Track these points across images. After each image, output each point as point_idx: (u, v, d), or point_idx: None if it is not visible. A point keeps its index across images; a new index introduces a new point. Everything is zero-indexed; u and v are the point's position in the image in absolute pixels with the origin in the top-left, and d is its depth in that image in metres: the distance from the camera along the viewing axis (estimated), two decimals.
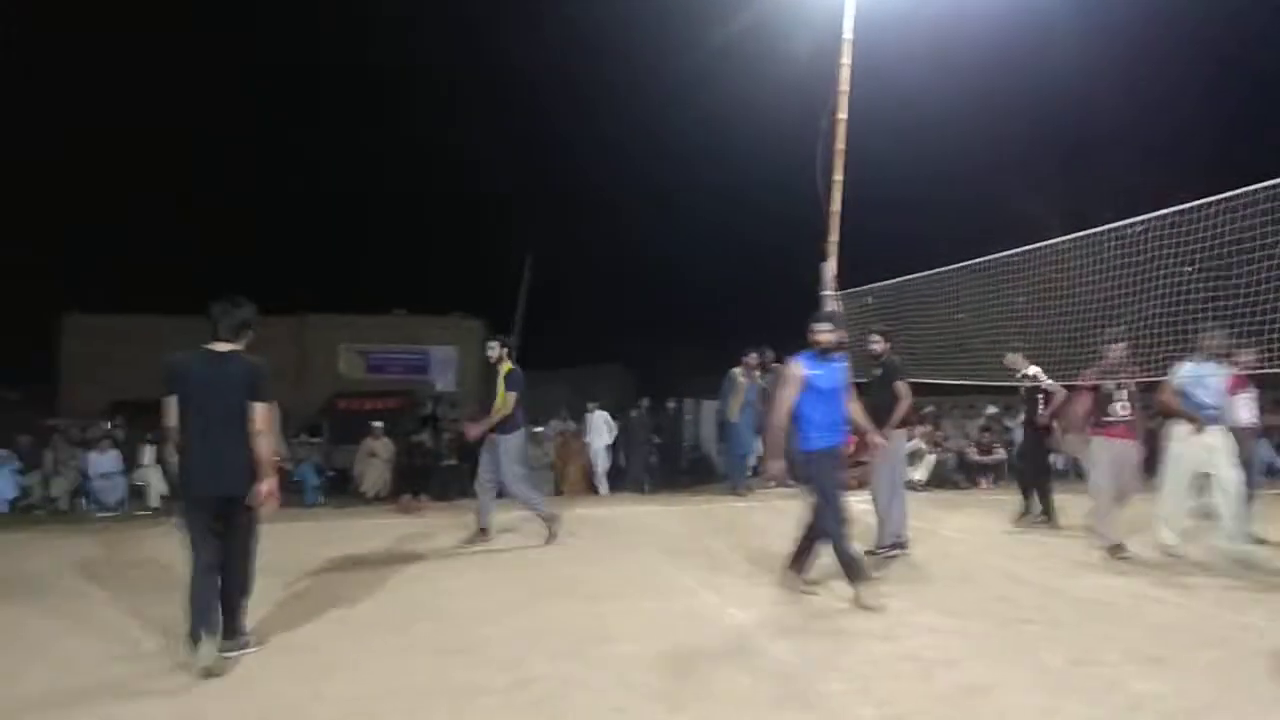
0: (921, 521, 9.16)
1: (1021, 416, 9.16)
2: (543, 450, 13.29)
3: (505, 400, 7.67)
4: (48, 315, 22.16)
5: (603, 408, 13.83)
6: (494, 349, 7.99)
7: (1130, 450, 7.08)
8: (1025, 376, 8.88)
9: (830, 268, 12.03)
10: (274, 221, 26.99)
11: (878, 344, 7.32)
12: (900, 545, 7.22)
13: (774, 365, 12.47)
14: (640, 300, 28.19)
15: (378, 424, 12.65)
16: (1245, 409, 7.20)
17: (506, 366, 7.85)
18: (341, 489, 12.52)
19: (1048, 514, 8.71)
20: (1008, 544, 7.71)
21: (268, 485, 4.54)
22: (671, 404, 14.80)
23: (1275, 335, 6.63)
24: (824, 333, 5.73)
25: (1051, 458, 9.02)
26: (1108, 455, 7.06)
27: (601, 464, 13.27)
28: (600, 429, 13.30)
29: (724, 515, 9.87)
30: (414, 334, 23.10)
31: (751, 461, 12.64)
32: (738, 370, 12.02)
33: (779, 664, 4.38)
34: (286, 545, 7.87)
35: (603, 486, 13.16)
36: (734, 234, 25.77)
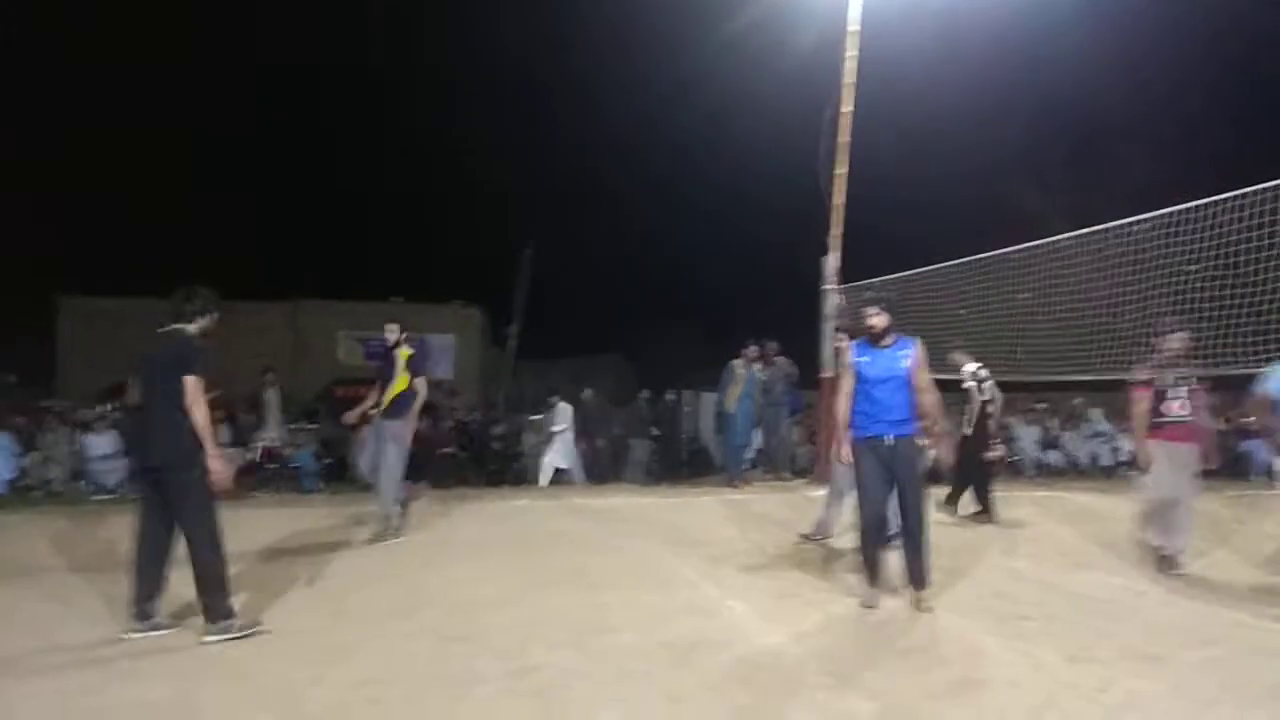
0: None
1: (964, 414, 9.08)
2: (541, 438, 13.28)
3: (406, 381, 7.68)
4: (45, 297, 22.12)
5: (591, 398, 13.48)
6: (393, 331, 8.04)
7: (1188, 454, 6.28)
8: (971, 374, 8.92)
9: (832, 261, 12.04)
10: (273, 207, 26.94)
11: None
12: (826, 538, 7.28)
13: (776, 359, 12.48)
14: (641, 291, 28.24)
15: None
16: None
17: (406, 352, 7.90)
18: (339, 476, 12.50)
19: (986, 511, 8.76)
20: (1005, 540, 7.73)
21: (208, 459, 4.61)
22: (671, 396, 14.79)
23: (1274, 335, 6.61)
24: (871, 316, 5.51)
25: (992, 454, 9.01)
26: (1163, 460, 6.30)
27: (566, 456, 12.54)
28: (565, 419, 12.66)
29: (722, 507, 9.87)
30: (412, 321, 23.08)
31: (749, 454, 12.64)
32: (737, 362, 12.01)
33: (777, 657, 4.40)
34: (285, 531, 7.89)
35: (544, 477, 12.33)
36: (737, 226, 25.81)
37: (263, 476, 11.55)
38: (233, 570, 4.75)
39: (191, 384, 4.60)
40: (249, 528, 8.11)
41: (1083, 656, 4.39)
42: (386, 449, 7.64)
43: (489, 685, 3.98)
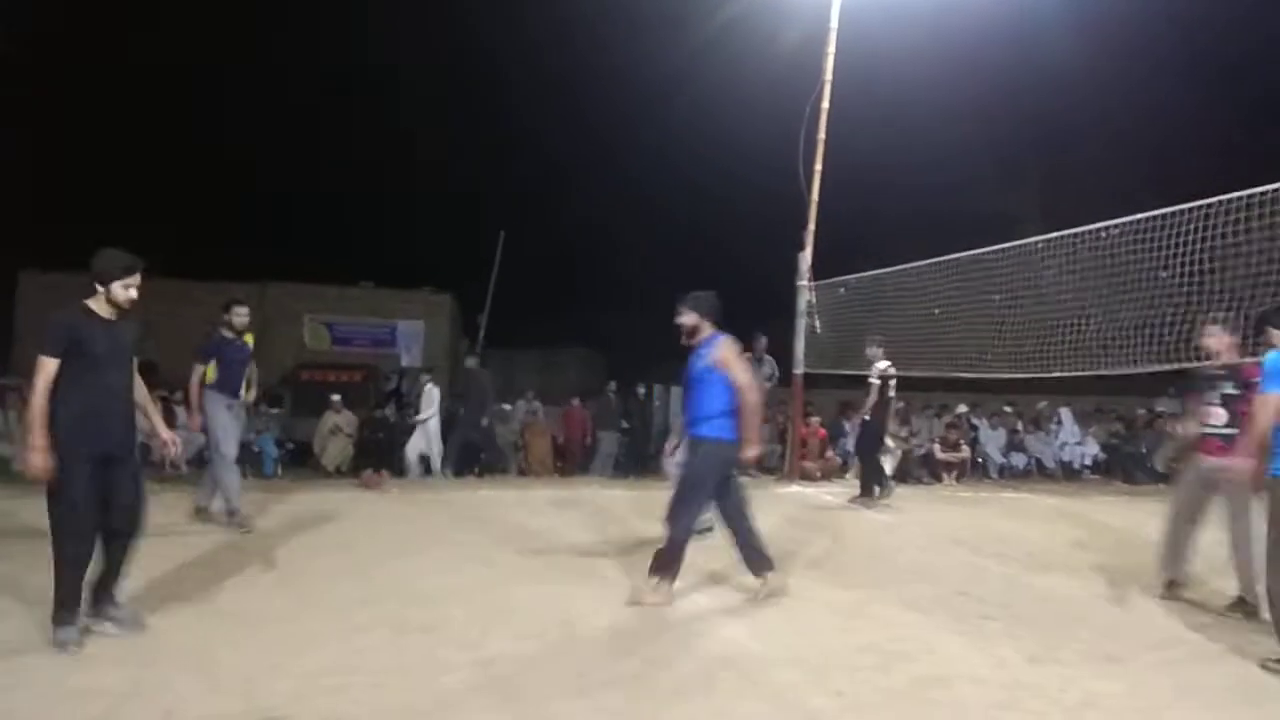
0: (885, 515, 9.27)
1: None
2: (508, 429, 13.18)
3: (198, 372, 7.32)
4: (4, 273, 21.59)
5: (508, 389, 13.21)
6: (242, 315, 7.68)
7: (1218, 471, 5.22)
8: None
9: (806, 257, 12.08)
10: (241, 187, 26.50)
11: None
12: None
13: (765, 356, 12.43)
14: (613, 283, 28.11)
15: (336, 397, 12.46)
16: None
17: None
18: (301, 462, 12.32)
19: (866, 494, 9.63)
20: (971, 539, 7.78)
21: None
22: (641, 389, 14.75)
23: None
24: (678, 315, 5.32)
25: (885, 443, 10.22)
26: (1190, 474, 5.59)
27: (434, 444, 11.88)
28: (433, 404, 11.98)
29: None
30: (381, 307, 22.82)
31: None
32: None
33: (740, 652, 4.38)
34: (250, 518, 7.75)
35: (414, 470, 11.73)
36: (711, 219, 25.78)
37: None
38: (188, 555, 4.64)
39: (38, 362, 4.11)
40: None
41: (1044, 657, 4.41)
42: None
43: (451, 675, 3.93)
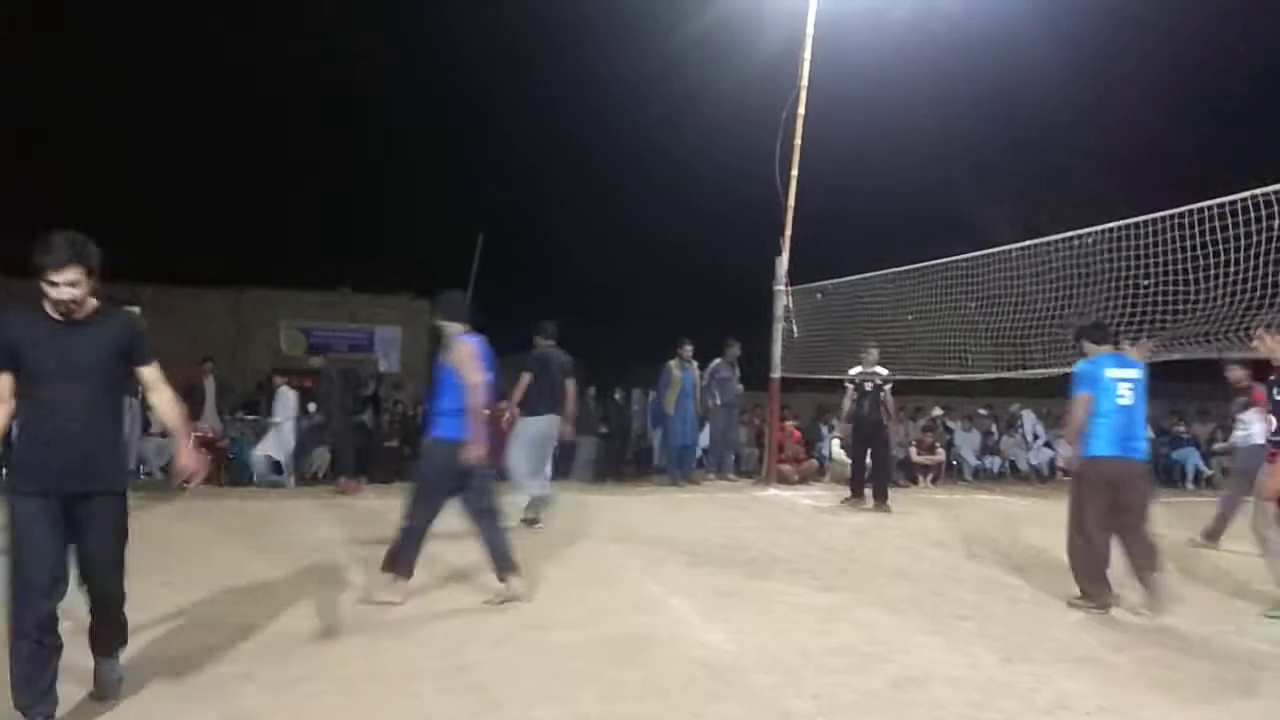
0: (860, 517, 9.33)
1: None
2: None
3: None
4: None
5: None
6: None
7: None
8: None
9: (783, 262, 12.14)
10: (216, 192, 26.23)
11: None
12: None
13: (736, 361, 12.47)
14: (591, 289, 28.09)
15: (312, 405, 12.32)
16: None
17: None
18: (276, 468, 12.19)
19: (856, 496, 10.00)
20: (946, 541, 7.85)
21: None
22: (618, 394, 14.73)
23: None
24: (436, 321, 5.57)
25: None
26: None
27: (279, 446, 11.24)
28: (287, 408, 11.35)
29: (666, 506, 9.90)
30: (359, 313, 22.67)
31: (697, 454, 12.64)
32: (672, 363, 12.02)
33: (717, 655, 4.39)
34: (223, 523, 7.69)
35: (261, 472, 11.09)
36: (689, 224, 25.80)
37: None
38: (151, 560, 4.49)
39: None
40: (181, 519, 7.91)
41: (1018, 656, 4.46)
42: None
43: (426, 682, 3.91)
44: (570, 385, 8.34)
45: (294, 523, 8.00)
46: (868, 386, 9.95)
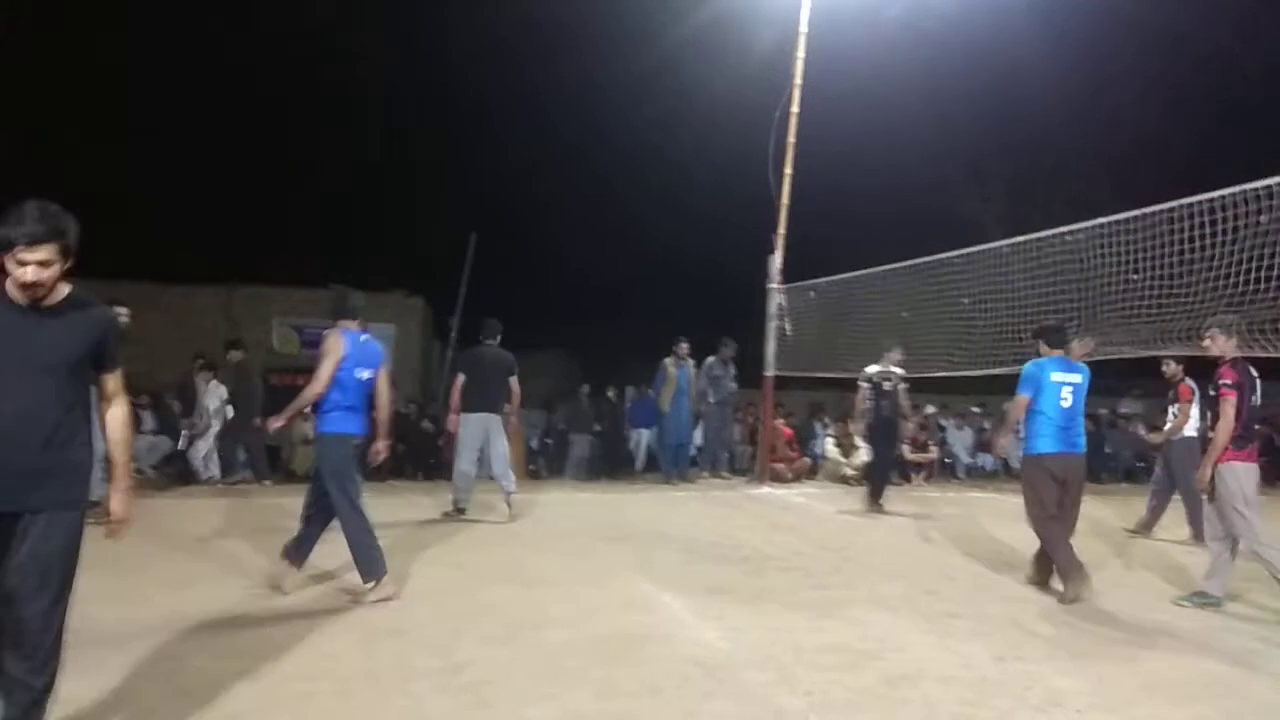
0: (854, 515, 9.34)
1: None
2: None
3: None
4: None
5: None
6: None
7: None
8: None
9: (776, 260, 12.16)
10: (209, 190, 26.08)
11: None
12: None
13: (730, 359, 12.48)
14: (585, 286, 28.04)
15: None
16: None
17: None
18: (270, 466, 12.17)
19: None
20: (939, 538, 7.87)
21: None
22: (612, 392, 14.75)
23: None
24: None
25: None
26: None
27: (202, 453, 10.98)
28: (214, 395, 11.03)
29: (660, 504, 9.90)
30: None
31: (690, 451, 12.66)
32: (668, 360, 12.04)
33: (710, 653, 4.39)
34: (207, 522, 7.67)
35: (208, 468, 10.92)
36: (683, 222, 25.75)
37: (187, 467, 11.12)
38: (154, 563, 4.54)
39: None
40: (169, 518, 7.88)
41: (1010, 655, 4.47)
42: None
43: (420, 680, 3.90)
44: (512, 382, 8.54)
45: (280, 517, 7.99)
46: (886, 385, 9.53)
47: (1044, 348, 6.12)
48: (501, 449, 8.42)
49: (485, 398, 8.43)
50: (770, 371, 12.28)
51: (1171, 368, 8.11)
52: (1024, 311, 8.75)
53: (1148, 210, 7.34)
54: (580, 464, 13.15)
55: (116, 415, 3.11)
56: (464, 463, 8.38)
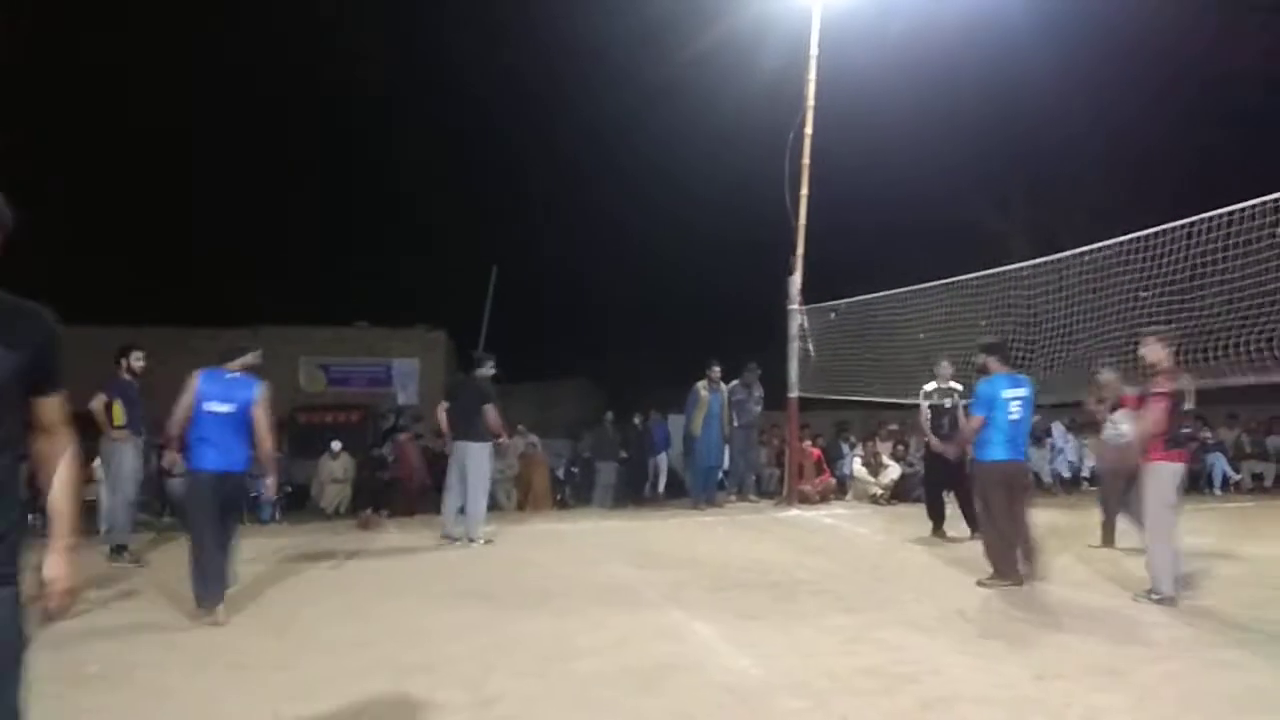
0: (882, 536, 9.26)
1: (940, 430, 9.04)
2: (506, 464, 13.11)
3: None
4: None
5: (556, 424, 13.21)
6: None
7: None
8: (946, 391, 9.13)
9: (796, 281, 12.16)
10: (231, 230, 26.52)
11: None
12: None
13: (753, 383, 12.46)
14: (608, 314, 28.15)
15: (336, 445, 12.35)
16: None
17: None
18: (299, 505, 12.27)
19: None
20: (971, 557, 7.76)
21: None
22: (637, 419, 14.77)
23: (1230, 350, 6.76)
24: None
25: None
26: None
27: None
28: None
29: (688, 530, 9.87)
30: (376, 346, 22.85)
31: (719, 476, 12.62)
32: (700, 384, 12.03)
33: (743, 680, 4.36)
34: (245, 562, 7.72)
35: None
36: (703, 246, 25.80)
37: None
38: (177, 600, 4.53)
39: None
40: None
41: (1048, 673, 4.40)
42: None
43: (452, 715, 3.91)
44: (487, 410, 8.67)
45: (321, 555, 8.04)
46: (946, 404, 9.03)
47: (994, 364, 6.74)
48: (476, 482, 8.57)
49: (461, 424, 8.72)
50: (794, 393, 12.24)
51: (1107, 375, 8.01)
52: (1048, 330, 8.68)
53: (1166, 226, 7.31)
54: (607, 491, 13.13)
55: (63, 450, 2.36)
56: (450, 495, 8.78)
